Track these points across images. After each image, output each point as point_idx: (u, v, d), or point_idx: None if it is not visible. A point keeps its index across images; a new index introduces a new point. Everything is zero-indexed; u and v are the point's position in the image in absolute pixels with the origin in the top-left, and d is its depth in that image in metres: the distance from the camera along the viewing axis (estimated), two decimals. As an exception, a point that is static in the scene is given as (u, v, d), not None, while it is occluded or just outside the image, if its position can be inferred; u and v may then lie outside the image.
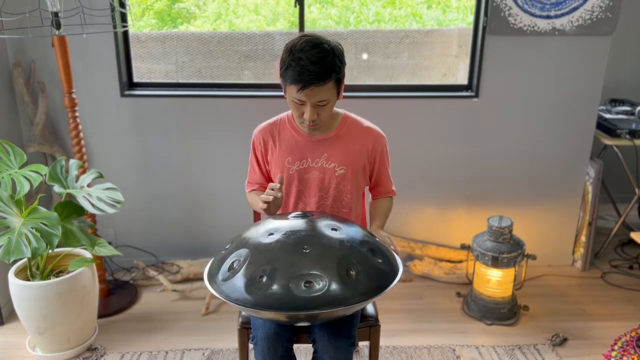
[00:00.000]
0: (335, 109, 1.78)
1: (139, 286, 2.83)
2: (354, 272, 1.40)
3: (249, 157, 1.91)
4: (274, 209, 1.71)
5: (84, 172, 2.46)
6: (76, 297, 2.23)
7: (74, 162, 2.36)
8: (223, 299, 1.40)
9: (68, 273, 2.23)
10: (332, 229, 1.51)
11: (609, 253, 3.20)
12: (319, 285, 1.35)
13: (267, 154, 1.85)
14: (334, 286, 1.36)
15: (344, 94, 1.73)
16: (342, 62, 1.64)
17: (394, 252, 1.60)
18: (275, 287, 1.35)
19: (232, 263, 1.45)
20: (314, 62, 1.56)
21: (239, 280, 1.40)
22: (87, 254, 2.36)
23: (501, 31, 2.65)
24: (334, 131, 1.79)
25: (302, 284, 1.35)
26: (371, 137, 1.81)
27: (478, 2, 2.68)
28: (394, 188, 1.93)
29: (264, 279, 1.37)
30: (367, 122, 1.85)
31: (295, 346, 1.69)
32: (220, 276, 1.45)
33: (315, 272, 1.37)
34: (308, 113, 1.65)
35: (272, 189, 1.67)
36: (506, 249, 2.51)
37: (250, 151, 1.90)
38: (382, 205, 1.90)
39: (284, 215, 1.62)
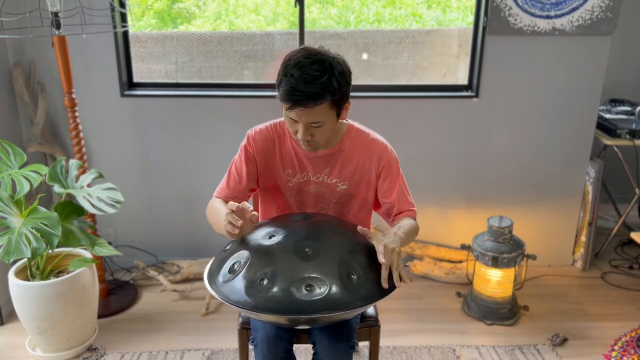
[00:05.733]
0: (339, 121, 1.61)
1: (139, 286, 2.83)
2: (355, 277, 1.39)
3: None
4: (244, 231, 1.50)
5: (84, 172, 2.46)
6: (76, 297, 2.23)
7: (74, 162, 2.36)
8: (223, 301, 1.40)
9: (68, 273, 2.23)
10: (334, 232, 1.50)
11: (609, 253, 3.20)
12: (320, 289, 1.35)
13: (261, 160, 1.70)
14: (335, 290, 1.35)
15: None
16: (342, 83, 1.48)
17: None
18: (275, 290, 1.35)
19: (233, 265, 1.45)
20: (307, 82, 1.43)
21: (240, 283, 1.39)
22: (87, 254, 2.36)
23: (501, 31, 2.65)
24: (337, 146, 1.66)
25: (303, 288, 1.35)
26: (376, 150, 1.68)
27: (478, 2, 2.68)
28: (415, 209, 1.71)
29: (265, 282, 1.36)
30: (373, 134, 1.71)
31: (295, 346, 1.69)
32: (220, 278, 1.45)
33: (316, 276, 1.37)
34: (301, 133, 1.53)
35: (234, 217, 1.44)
36: (506, 249, 2.51)
37: (240, 152, 1.71)
38: (402, 220, 1.67)
39: (285, 217, 1.61)
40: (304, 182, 1.72)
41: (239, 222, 1.44)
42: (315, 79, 1.44)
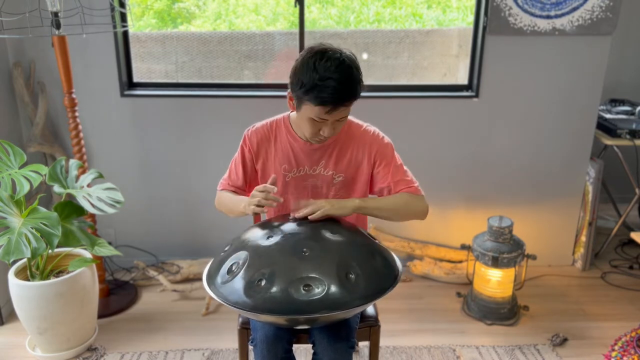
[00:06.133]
0: None
1: (139, 286, 2.83)
2: (353, 276, 1.40)
3: None
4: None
5: (83, 172, 2.46)
6: (76, 297, 2.23)
7: (73, 162, 2.36)
8: (222, 302, 1.40)
9: (68, 273, 2.23)
10: (332, 232, 1.50)
11: (609, 253, 3.20)
12: (318, 289, 1.35)
13: (259, 158, 1.76)
14: (333, 290, 1.35)
15: None
16: (361, 73, 1.58)
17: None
18: (274, 290, 1.35)
19: (231, 266, 1.45)
20: (343, 82, 1.50)
21: (238, 283, 1.39)
22: (87, 254, 2.36)
23: (501, 31, 2.65)
24: (332, 137, 1.71)
25: (302, 288, 1.35)
26: (367, 140, 1.73)
27: (478, 2, 2.68)
28: (415, 185, 1.75)
29: (263, 283, 1.37)
30: (366, 125, 1.76)
31: (295, 346, 1.69)
32: (219, 279, 1.45)
33: (314, 276, 1.37)
34: (328, 130, 1.58)
35: (267, 195, 1.54)
36: (506, 249, 2.51)
37: (239, 150, 1.79)
38: (390, 196, 1.73)
39: (284, 217, 1.61)
40: (301, 177, 1.75)
41: (274, 190, 1.55)
42: (350, 77, 1.53)
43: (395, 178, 1.73)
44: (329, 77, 1.49)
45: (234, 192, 1.78)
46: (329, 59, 1.50)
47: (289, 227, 1.53)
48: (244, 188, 1.79)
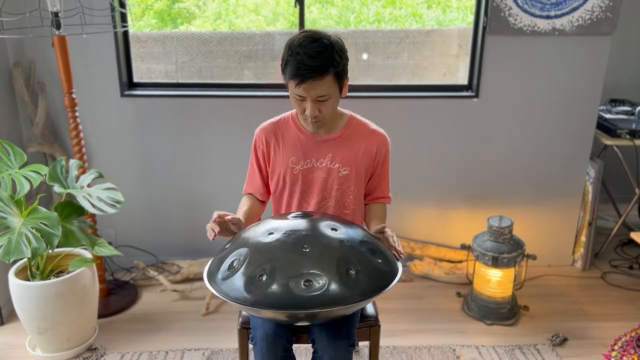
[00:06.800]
0: (341, 109, 1.78)
1: (139, 286, 2.83)
2: (353, 272, 1.40)
3: (248, 156, 1.89)
4: (228, 234, 1.63)
5: (84, 172, 2.46)
6: (76, 297, 2.23)
7: (74, 162, 2.37)
8: (223, 297, 1.40)
9: (68, 273, 2.23)
10: (332, 229, 1.51)
11: (609, 253, 3.20)
12: (319, 285, 1.35)
13: (270, 154, 1.83)
14: (333, 285, 1.36)
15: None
16: (342, 57, 1.62)
17: (395, 254, 1.56)
18: (274, 286, 1.35)
19: (232, 262, 1.46)
20: (312, 57, 1.56)
21: (239, 279, 1.40)
22: (87, 254, 2.36)
23: (501, 31, 2.65)
24: (339, 132, 1.77)
25: (302, 283, 1.35)
26: (376, 139, 1.80)
27: (478, 2, 2.68)
28: (389, 195, 1.90)
29: (264, 278, 1.37)
30: (373, 125, 1.83)
31: (295, 346, 1.69)
32: (219, 275, 1.45)
33: (314, 272, 1.37)
34: (309, 109, 1.63)
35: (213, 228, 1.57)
36: (506, 249, 2.51)
37: (251, 151, 1.88)
38: (378, 209, 1.86)
39: (284, 215, 1.62)
40: (308, 169, 1.79)
41: (216, 229, 1.57)
42: (319, 54, 1.57)
43: (384, 185, 1.87)
44: (297, 53, 1.57)
45: (253, 195, 1.87)
46: (304, 37, 1.59)
47: (290, 224, 1.53)
48: (263, 189, 1.87)
